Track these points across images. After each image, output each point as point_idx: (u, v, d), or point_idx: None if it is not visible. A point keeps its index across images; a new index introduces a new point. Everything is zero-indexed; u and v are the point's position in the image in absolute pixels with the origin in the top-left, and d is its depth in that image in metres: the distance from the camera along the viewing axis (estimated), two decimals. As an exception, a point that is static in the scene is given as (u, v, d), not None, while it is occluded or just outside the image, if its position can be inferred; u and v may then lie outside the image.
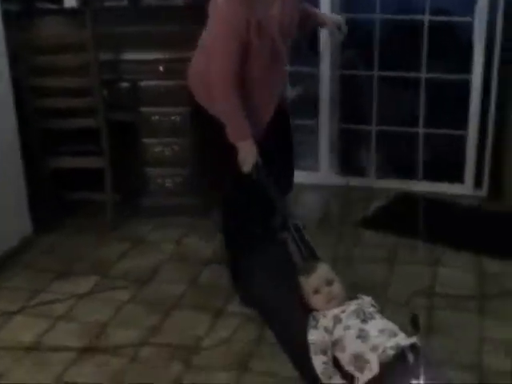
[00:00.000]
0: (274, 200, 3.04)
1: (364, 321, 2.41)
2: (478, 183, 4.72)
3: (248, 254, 2.92)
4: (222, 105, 3.09)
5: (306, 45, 4.60)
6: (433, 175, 4.79)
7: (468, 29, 4.51)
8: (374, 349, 2.28)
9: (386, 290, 3.59)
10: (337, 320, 2.45)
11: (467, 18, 4.51)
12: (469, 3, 4.46)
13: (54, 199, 4.38)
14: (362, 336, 2.34)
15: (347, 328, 2.40)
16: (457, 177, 4.78)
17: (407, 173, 4.88)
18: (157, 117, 4.33)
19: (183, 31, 4.10)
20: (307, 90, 5.02)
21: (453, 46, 4.85)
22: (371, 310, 2.50)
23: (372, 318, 2.43)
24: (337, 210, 4.76)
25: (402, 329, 2.42)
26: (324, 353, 2.40)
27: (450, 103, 4.87)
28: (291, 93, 4.61)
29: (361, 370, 2.28)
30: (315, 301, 2.56)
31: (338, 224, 4.42)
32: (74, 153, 4.32)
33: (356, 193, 4.78)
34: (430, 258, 3.91)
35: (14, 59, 4.02)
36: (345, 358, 2.35)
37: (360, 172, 4.98)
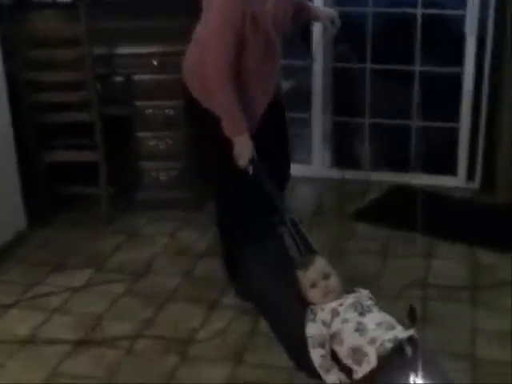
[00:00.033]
0: (270, 194, 3.04)
1: (362, 314, 2.40)
2: (470, 176, 4.74)
3: (244, 249, 2.92)
4: (218, 97, 3.09)
5: (298, 38, 4.60)
6: (426, 168, 4.81)
7: (460, 22, 4.53)
8: (372, 342, 2.28)
9: (379, 282, 3.62)
10: (335, 313, 2.44)
11: (460, 11, 4.52)
12: (461, -4, 4.48)
13: (48, 193, 4.38)
14: (360, 329, 2.34)
15: (345, 321, 2.40)
16: (449, 169, 4.80)
17: (400, 165, 4.90)
18: (151, 110, 4.33)
19: (177, 25, 4.11)
20: (300, 84, 5.02)
21: (445, 39, 4.87)
22: (369, 303, 2.50)
23: (370, 311, 2.43)
24: (330, 203, 4.78)
25: (398, 321, 2.43)
26: (322, 346, 2.40)
27: (442, 96, 4.89)
28: (285, 85, 4.61)
29: (359, 363, 2.28)
30: (312, 295, 2.56)
31: (330, 217, 4.44)
32: (68, 147, 4.31)
33: (349, 186, 4.79)
34: (423, 250, 3.92)
35: (8, 53, 4.01)
36: (343, 351, 2.35)
37: (353, 165, 4.98)
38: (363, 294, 2.57)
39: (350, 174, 4.85)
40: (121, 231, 4.29)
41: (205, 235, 4.16)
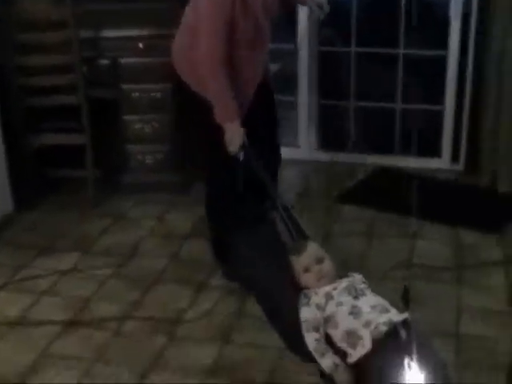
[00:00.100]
0: (261, 180, 3.03)
1: (356, 297, 2.39)
2: (454, 158, 4.78)
3: (236, 235, 2.92)
4: (211, 84, 3.09)
5: (284, 21, 4.61)
6: (410, 150, 4.85)
7: (445, 6, 4.55)
8: (367, 325, 2.27)
9: (365, 263, 3.66)
10: (329, 297, 2.43)
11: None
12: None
13: (36, 176, 4.38)
14: (355, 312, 2.33)
15: (339, 304, 2.38)
16: (434, 151, 4.84)
17: (385, 147, 4.93)
18: (137, 94, 4.34)
19: (163, 8, 4.12)
20: (286, 67, 5.03)
21: (430, 22, 4.89)
22: (362, 286, 2.50)
23: (363, 294, 2.42)
24: (316, 185, 4.81)
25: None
26: (316, 330, 2.38)
27: (427, 79, 4.92)
28: (272, 67, 4.62)
29: (353, 346, 2.27)
30: (306, 279, 2.54)
31: (316, 199, 4.47)
32: (55, 130, 4.31)
33: (335, 168, 4.82)
34: (407, 231, 3.96)
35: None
36: (337, 335, 2.34)
37: (339, 147, 5.01)
38: (357, 278, 2.56)
39: (337, 157, 4.88)
40: (108, 214, 4.31)
41: (191, 218, 4.19)
